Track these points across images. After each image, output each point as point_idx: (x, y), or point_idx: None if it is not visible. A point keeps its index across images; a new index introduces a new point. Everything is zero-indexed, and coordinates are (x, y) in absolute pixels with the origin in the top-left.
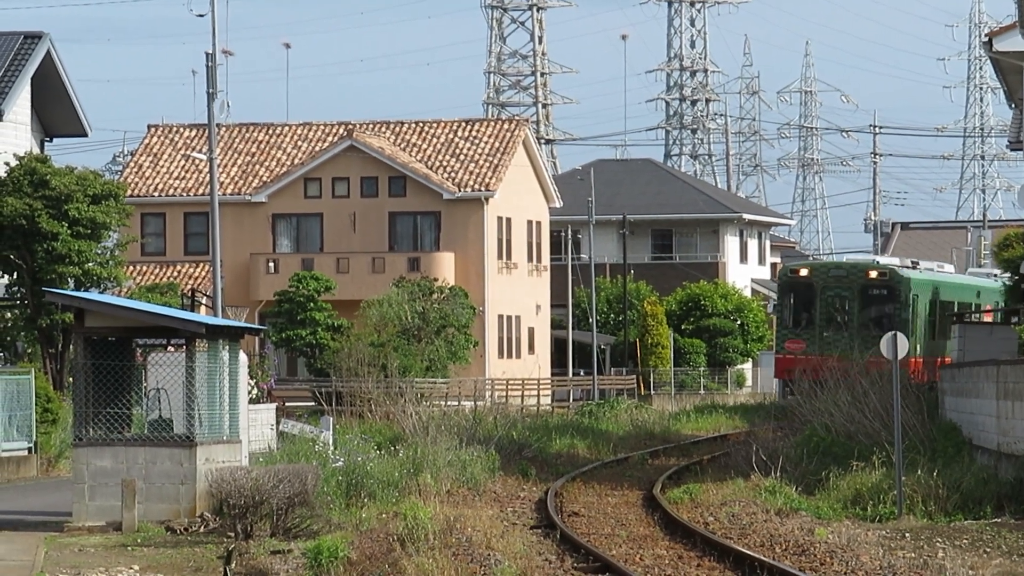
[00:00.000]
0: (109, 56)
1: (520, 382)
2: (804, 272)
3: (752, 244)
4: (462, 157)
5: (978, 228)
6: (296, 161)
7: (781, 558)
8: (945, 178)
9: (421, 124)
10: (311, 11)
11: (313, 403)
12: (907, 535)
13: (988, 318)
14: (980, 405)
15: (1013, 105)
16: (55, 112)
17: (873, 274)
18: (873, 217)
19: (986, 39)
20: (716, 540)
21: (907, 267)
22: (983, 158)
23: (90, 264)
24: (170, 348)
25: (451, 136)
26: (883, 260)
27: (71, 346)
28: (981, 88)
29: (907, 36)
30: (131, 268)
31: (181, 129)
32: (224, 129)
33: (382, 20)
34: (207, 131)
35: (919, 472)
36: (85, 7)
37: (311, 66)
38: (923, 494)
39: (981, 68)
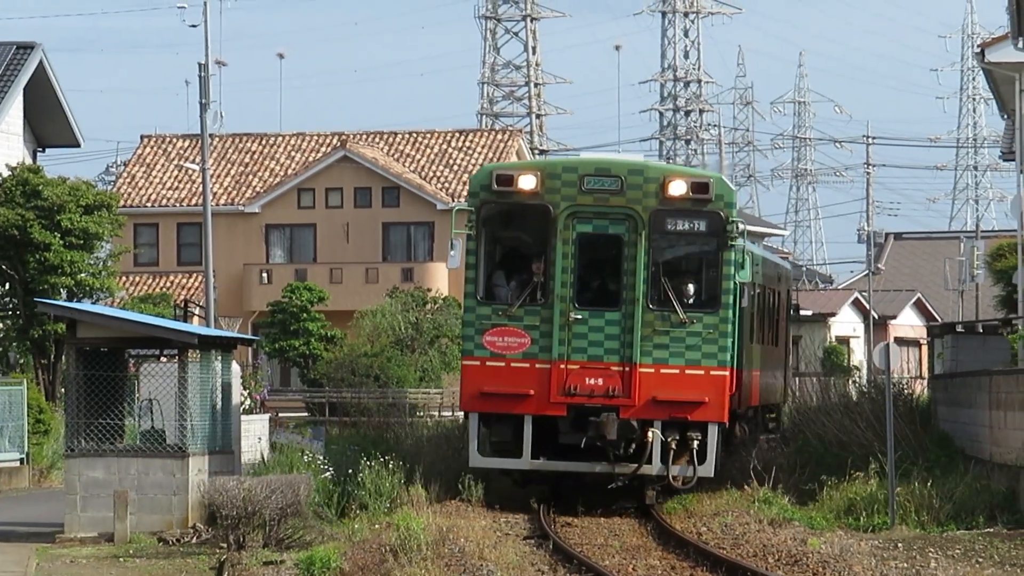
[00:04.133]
0: (102, 66)
1: None
2: (527, 182)
3: None
4: (456, 167)
5: (971, 238)
6: (289, 171)
7: (774, 568)
8: (938, 189)
9: (415, 134)
10: (305, 21)
11: (307, 413)
12: (900, 545)
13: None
14: (973, 415)
15: (1006, 116)
16: (47, 122)
17: (677, 188)
18: (866, 227)
19: (979, 50)
20: (709, 550)
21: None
22: (976, 169)
23: (82, 275)
24: (163, 359)
25: (445, 146)
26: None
27: (63, 357)
28: (974, 99)
29: (900, 47)
30: (124, 279)
31: (174, 139)
32: (217, 139)
33: (376, 30)
34: (200, 141)
35: (912, 482)
36: (78, 17)
37: (305, 76)
38: (916, 504)
39: (974, 79)
